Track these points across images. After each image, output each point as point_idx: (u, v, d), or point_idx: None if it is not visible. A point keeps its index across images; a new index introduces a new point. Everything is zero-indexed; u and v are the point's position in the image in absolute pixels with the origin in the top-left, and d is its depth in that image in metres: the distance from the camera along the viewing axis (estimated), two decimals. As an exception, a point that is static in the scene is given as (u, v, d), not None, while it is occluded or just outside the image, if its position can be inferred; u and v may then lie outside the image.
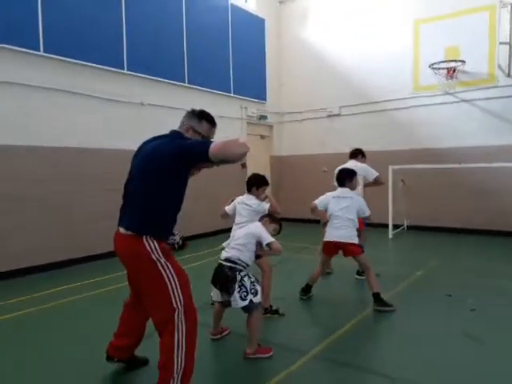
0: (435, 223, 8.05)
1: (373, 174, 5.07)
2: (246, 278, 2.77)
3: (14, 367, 2.86)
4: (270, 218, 3.22)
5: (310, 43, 9.72)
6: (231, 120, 8.64)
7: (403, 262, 6.10)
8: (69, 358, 2.97)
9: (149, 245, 2.17)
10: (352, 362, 2.86)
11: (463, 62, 7.32)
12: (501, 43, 6.62)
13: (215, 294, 2.92)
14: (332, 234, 4.04)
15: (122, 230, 2.27)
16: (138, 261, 2.19)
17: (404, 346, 3.12)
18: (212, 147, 1.99)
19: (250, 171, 8.27)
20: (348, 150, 5.63)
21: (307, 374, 2.68)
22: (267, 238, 2.88)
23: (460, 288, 4.43)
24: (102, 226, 6.09)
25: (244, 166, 8.97)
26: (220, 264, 2.88)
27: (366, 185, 5.21)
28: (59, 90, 5.78)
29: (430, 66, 7.51)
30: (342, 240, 3.97)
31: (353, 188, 4.25)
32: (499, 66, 6.78)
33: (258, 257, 3.54)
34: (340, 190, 4.22)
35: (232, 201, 3.97)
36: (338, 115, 9.37)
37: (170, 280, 2.17)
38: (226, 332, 3.25)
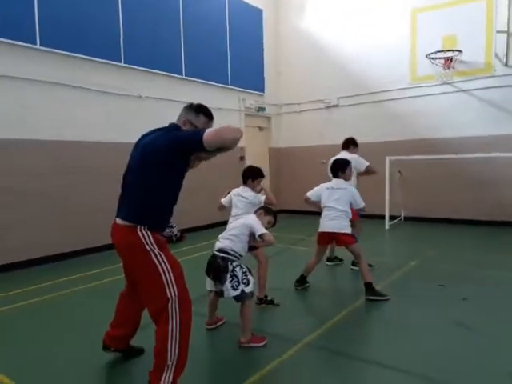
0: (432, 214, 8.09)
1: (363, 163, 5.09)
2: (237, 269, 2.82)
3: (14, 353, 2.94)
4: (264, 210, 3.27)
5: (307, 34, 9.67)
6: (229, 112, 8.66)
7: (398, 252, 6.16)
8: (66, 347, 3.05)
9: (143, 235, 2.22)
10: (344, 350, 2.92)
11: (460, 51, 7.30)
12: (498, 32, 6.59)
13: (209, 284, 2.98)
14: (325, 224, 4.10)
15: (118, 220, 2.32)
16: (133, 251, 2.25)
17: (396, 334, 3.18)
18: (206, 135, 2.04)
19: (248, 163, 8.31)
20: (345, 141, 5.64)
21: (299, 362, 2.74)
22: (260, 229, 2.93)
23: (453, 278, 4.48)
24: (100, 219, 6.14)
25: (242, 158, 9.00)
26: (213, 254, 2.93)
27: (359, 175, 5.23)
28: (57, 84, 5.80)
29: (427, 56, 7.49)
30: (335, 230, 4.03)
31: (347, 178, 4.28)
32: (496, 55, 6.76)
33: (253, 248, 3.60)
34: (334, 181, 4.26)
35: (228, 193, 4.02)
36: (336, 106, 9.37)
37: (163, 270, 2.21)
38: (221, 322, 3.32)
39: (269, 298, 3.76)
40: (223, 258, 2.85)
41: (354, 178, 4.89)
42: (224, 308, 3.30)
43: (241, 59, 8.89)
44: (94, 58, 6.19)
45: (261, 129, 10.10)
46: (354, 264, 4.94)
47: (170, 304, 2.20)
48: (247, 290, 2.82)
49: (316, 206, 4.31)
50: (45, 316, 3.74)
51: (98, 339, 2.81)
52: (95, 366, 2.75)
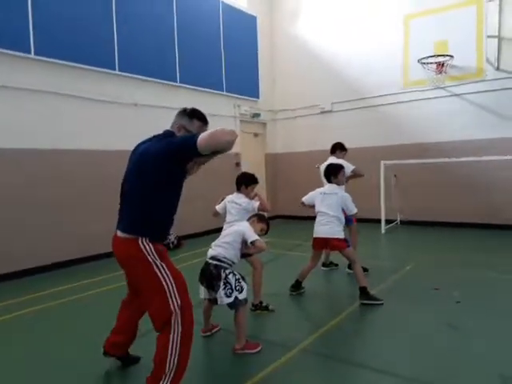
0: (428, 218, 8.12)
1: (348, 167, 5.08)
2: (230, 276, 2.83)
3: (20, 358, 2.94)
4: (257, 217, 3.28)
5: (301, 40, 9.75)
6: (224, 118, 8.68)
7: (394, 256, 6.18)
8: (66, 352, 3.05)
9: (144, 247, 2.19)
10: (339, 355, 2.93)
11: (451, 56, 7.38)
12: (489, 37, 6.66)
13: (203, 292, 2.99)
14: (318, 229, 4.13)
15: (119, 232, 2.30)
16: (135, 263, 2.22)
17: (390, 339, 3.19)
18: (199, 139, 2.01)
19: (244, 169, 8.33)
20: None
21: (294, 368, 2.74)
22: (251, 236, 2.94)
23: (448, 281, 4.50)
24: (97, 227, 6.18)
25: (238, 164, 9.02)
26: (206, 262, 2.94)
27: (347, 178, 5.25)
28: (52, 92, 5.82)
29: (418, 61, 7.56)
30: (327, 236, 4.06)
31: (339, 183, 4.31)
32: (487, 60, 6.83)
33: (248, 254, 3.62)
34: (327, 186, 4.29)
35: (222, 199, 4.03)
36: (331, 111, 9.42)
37: (166, 282, 2.19)
38: (216, 329, 3.32)
39: (264, 304, 3.76)
40: (216, 265, 2.86)
41: None
42: (219, 315, 3.30)
43: (235, 66, 8.94)
44: (88, 67, 6.22)
45: (256, 135, 10.14)
46: (349, 267, 4.96)
47: (173, 316, 2.18)
48: (241, 296, 2.83)
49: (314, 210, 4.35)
50: (46, 323, 3.73)
51: (97, 344, 2.82)
52: (94, 373, 2.75)
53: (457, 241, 6.88)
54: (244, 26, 9.31)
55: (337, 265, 5.27)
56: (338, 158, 5.31)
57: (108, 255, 6.12)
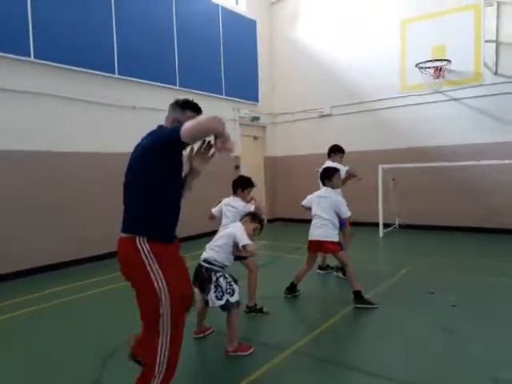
0: (427, 222, 8.12)
1: (342, 169, 5.08)
2: (221, 279, 2.85)
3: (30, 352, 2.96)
4: (250, 217, 3.28)
5: (301, 44, 9.80)
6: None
7: (390, 260, 6.18)
8: (62, 353, 3.08)
9: (141, 247, 2.14)
10: (331, 357, 2.95)
11: (449, 61, 7.41)
12: (486, 41, 6.69)
13: (196, 294, 3.00)
14: (312, 232, 4.17)
15: (122, 234, 2.26)
16: (130, 263, 2.18)
17: (383, 342, 3.20)
18: (183, 129, 1.97)
19: (243, 172, 8.35)
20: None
21: (285, 370, 2.77)
22: (243, 239, 2.94)
23: (444, 285, 4.50)
24: (100, 228, 6.25)
25: (237, 167, 9.05)
26: (199, 264, 2.96)
27: (343, 180, 5.25)
28: (51, 95, 5.88)
29: (416, 66, 7.59)
30: (320, 238, 4.09)
31: (334, 186, 4.31)
32: (485, 64, 6.86)
33: (243, 257, 3.64)
34: (323, 190, 4.32)
35: (219, 202, 4.05)
36: (330, 115, 9.45)
37: (158, 285, 2.12)
38: (209, 331, 3.33)
39: (258, 307, 3.78)
40: (207, 268, 2.88)
41: None
42: (212, 317, 3.32)
43: (235, 69, 8.99)
44: (87, 70, 6.28)
45: (256, 138, 10.18)
46: (337, 270, 4.99)
47: (161, 320, 2.14)
48: (232, 299, 2.85)
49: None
50: (46, 323, 3.75)
51: (97, 341, 2.84)
52: (89, 373, 2.77)
53: (455, 245, 6.89)
54: (243, 30, 9.37)
55: (333, 268, 5.27)
56: (334, 161, 5.33)
57: (106, 256, 6.18)
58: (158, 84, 7.39)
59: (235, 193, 3.94)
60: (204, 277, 2.83)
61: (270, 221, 10.18)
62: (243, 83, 9.35)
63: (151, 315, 2.16)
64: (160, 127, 2.33)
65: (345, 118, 9.20)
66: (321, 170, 4.86)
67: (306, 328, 3.52)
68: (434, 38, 7.68)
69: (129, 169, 2.30)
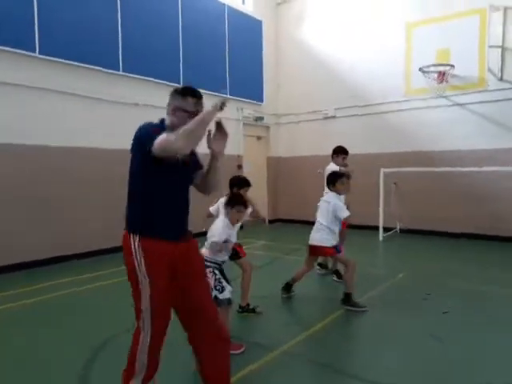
0: (428, 227, 8.08)
1: (334, 169, 4.98)
2: (210, 275, 2.86)
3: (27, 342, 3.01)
4: (229, 206, 3.13)
5: (306, 45, 9.80)
6: (227, 121, 8.62)
7: (388, 264, 6.17)
8: (59, 341, 3.13)
9: (132, 240, 2.13)
10: (320, 359, 2.95)
11: (452, 66, 7.38)
12: (490, 47, 6.65)
13: None
14: (311, 236, 4.20)
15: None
16: (124, 256, 2.18)
17: (372, 346, 3.21)
18: (155, 144, 1.94)
19: (246, 172, 8.38)
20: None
21: (273, 370, 2.79)
22: (215, 235, 2.95)
23: (439, 291, 4.48)
24: (100, 223, 6.29)
25: (240, 166, 9.08)
26: None
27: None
28: (55, 91, 5.94)
29: (419, 70, 7.57)
30: (315, 243, 4.11)
31: (339, 192, 4.23)
32: (489, 70, 6.81)
33: (237, 257, 3.65)
34: (328, 194, 4.34)
35: (217, 201, 4.07)
36: (334, 117, 9.44)
37: (141, 281, 2.11)
38: None
39: (251, 307, 3.79)
40: None
41: None
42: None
43: (240, 69, 9.01)
44: (92, 67, 6.33)
45: (259, 138, 10.19)
46: (332, 272, 5.01)
47: (141, 316, 2.15)
48: (221, 296, 2.86)
49: None
50: (42, 315, 3.80)
51: (92, 335, 2.87)
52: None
53: (455, 251, 6.85)
54: (249, 30, 9.38)
55: (330, 270, 5.26)
56: (336, 162, 5.30)
57: (107, 251, 6.24)
58: (162, 82, 7.41)
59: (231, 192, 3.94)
60: None
61: (271, 221, 10.20)
62: (248, 83, 9.36)
63: (136, 310, 2.19)
64: (161, 122, 2.25)
65: (349, 120, 9.18)
66: (324, 171, 4.87)
67: (297, 329, 3.53)
68: (438, 41, 7.64)
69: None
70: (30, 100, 5.70)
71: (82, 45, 6.16)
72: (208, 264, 2.92)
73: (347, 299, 3.92)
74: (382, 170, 7.56)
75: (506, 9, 7.01)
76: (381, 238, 7.65)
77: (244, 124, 9.40)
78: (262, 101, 9.79)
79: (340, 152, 5.38)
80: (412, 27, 8.00)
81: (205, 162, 2.32)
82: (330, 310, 3.94)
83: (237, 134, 9.08)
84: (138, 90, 7.08)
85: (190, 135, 1.96)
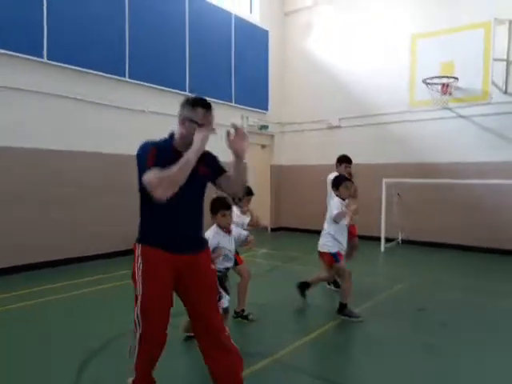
0: (430, 238, 8.03)
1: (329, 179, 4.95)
2: None
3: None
4: (213, 213, 3.16)
5: (312, 55, 9.87)
6: (232, 129, 8.78)
7: (387, 275, 6.12)
8: (54, 344, 3.16)
9: (137, 250, 2.23)
10: (308, 369, 2.95)
11: (456, 78, 7.40)
12: (495, 60, 6.66)
13: None
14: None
15: None
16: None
17: (363, 356, 3.19)
18: (146, 181, 2.00)
19: (249, 180, 8.39)
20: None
21: (262, 377, 2.78)
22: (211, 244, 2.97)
23: (435, 303, 4.44)
24: (101, 227, 6.40)
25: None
26: None
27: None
28: (62, 96, 6.04)
29: (423, 81, 7.60)
30: (319, 248, 4.12)
31: (341, 196, 4.12)
32: (493, 83, 6.82)
33: (235, 264, 3.67)
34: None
35: None
36: (338, 127, 9.47)
37: (138, 286, 2.19)
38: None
39: (245, 314, 3.80)
40: None
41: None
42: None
43: (245, 78, 9.09)
44: (99, 73, 6.44)
45: (263, 146, 10.24)
46: (333, 284, 4.97)
47: (135, 315, 2.21)
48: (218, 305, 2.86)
49: None
50: (43, 317, 3.85)
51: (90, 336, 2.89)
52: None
53: (456, 264, 6.79)
54: (256, 40, 9.48)
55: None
56: (338, 171, 5.29)
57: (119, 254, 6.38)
58: (168, 89, 7.51)
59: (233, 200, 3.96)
60: None
61: (273, 229, 10.20)
62: (253, 92, 9.44)
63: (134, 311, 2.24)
64: (170, 136, 2.28)
65: (352, 130, 9.20)
66: (327, 180, 4.87)
67: (290, 338, 3.49)
68: (442, 54, 7.68)
69: None
70: (36, 104, 5.80)
71: (89, 51, 6.26)
72: None
73: (342, 309, 3.91)
74: (384, 181, 7.55)
75: (510, 22, 7.02)
76: (382, 249, 7.61)
77: (248, 132, 9.43)
78: (266, 109, 9.85)
79: (343, 161, 5.33)
80: (417, 39, 8.04)
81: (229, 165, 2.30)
82: (324, 320, 3.92)
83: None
84: (144, 96, 7.17)
85: (171, 184, 1.99)
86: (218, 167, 2.33)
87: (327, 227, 4.11)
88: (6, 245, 5.46)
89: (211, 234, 3.09)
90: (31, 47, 5.63)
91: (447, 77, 7.38)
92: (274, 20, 10.14)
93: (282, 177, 10.47)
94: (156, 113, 7.27)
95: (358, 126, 9.10)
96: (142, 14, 6.99)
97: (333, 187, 4.25)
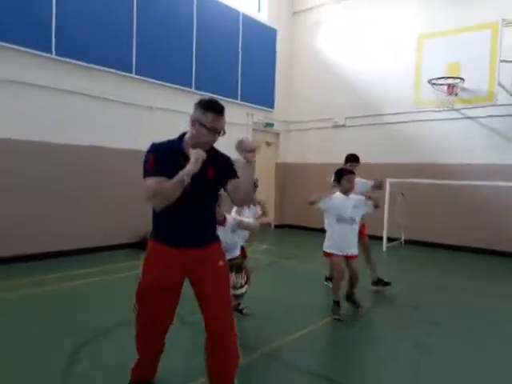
0: (433, 239, 8.00)
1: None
2: None
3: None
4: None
5: (320, 54, 9.88)
6: (236, 126, 8.83)
7: (386, 274, 6.06)
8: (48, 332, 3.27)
9: (149, 244, 2.38)
10: (296, 363, 2.98)
11: (462, 79, 7.35)
12: (502, 61, 6.60)
13: None
14: None
15: None
16: None
17: (351, 353, 3.24)
18: (146, 183, 2.13)
19: (254, 177, 8.45)
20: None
21: (248, 370, 2.83)
22: None
23: (433, 304, 4.45)
24: (113, 218, 6.58)
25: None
26: None
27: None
28: (70, 92, 6.16)
29: (428, 82, 7.56)
30: None
31: (344, 189, 4.02)
32: (500, 84, 6.76)
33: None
34: None
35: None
36: (344, 126, 9.47)
37: (140, 275, 2.35)
38: None
39: (240, 307, 3.86)
40: None
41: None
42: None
43: (252, 75, 9.13)
44: (106, 69, 6.54)
45: (269, 144, 10.26)
46: (327, 279, 5.01)
47: (134, 300, 2.37)
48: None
49: None
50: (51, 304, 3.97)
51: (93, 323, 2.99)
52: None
53: (458, 265, 6.77)
54: (263, 38, 9.50)
55: (387, 284, 4.93)
56: None
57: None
58: (175, 86, 7.59)
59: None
60: None
61: (277, 226, 10.26)
62: (259, 89, 9.48)
63: None
64: (180, 137, 2.29)
65: (358, 129, 9.20)
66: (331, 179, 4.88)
67: (282, 333, 3.52)
68: (449, 54, 7.62)
69: None
70: (46, 99, 5.92)
71: (97, 47, 6.35)
72: None
73: (333, 306, 3.95)
74: (388, 181, 7.54)
75: (519, 23, 6.94)
76: (384, 249, 7.62)
77: (253, 130, 9.51)
78: (272, 107, 9.89)
79: (348, 159, 5.27)
80: (424, 39, 8.01)
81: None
82: (320, 316, 3.95)
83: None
84: (151, 93, 7.26)
85: (164, 198, 2.10)
86: (228, 172, 2.27)
87: (327, 224, 4.12)
88: (19, 235, 5.62)
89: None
90: (40, 43, 5.74)
91: (453, 77, 7.34)
92: (282, 19, 10.16)
93: (286, 174, 10.50)
94: (162, 109, 7.36)
95: (364, 125, 9.09)
96: (150, 11, 7.07)
97: (334, 181, 4.18)
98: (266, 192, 9.41)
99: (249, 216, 3.81)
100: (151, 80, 7.23)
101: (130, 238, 6.79)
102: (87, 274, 5.22)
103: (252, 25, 9.11)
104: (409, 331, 3.65)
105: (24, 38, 5.58)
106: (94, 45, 6.34)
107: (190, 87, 7.88)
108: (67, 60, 6.06)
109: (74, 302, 4.18)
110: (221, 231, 3.29)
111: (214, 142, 2.24)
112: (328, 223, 4.15)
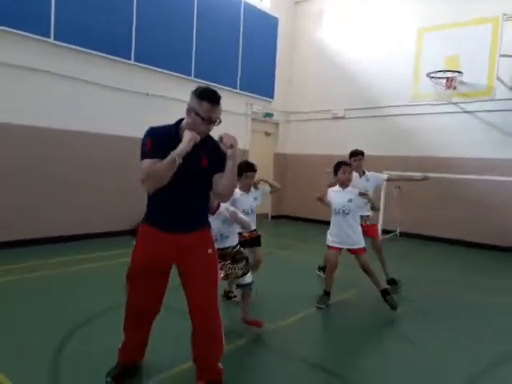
0: (429, 232, 8.06)
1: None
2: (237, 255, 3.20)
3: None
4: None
5: (321, 44, 9.83)
6: (235, 116, 8.83)
7: (378, 267, 6.15)
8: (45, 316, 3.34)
9: (140, 227, 2.41)
10: (284, 349, 3.06)
11: (460, 72, 7.33)
12: (502, 56, 6.58)
13: None
14: None
15: None
16: None
17: (337, 341, 3.32)
18: (142, 166, 2.16)
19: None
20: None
21: (237, 355, 2.91)
22: None
23: (426, 298, 4.48)
24: (115, 205, 6.65)
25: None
26: None
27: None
28: (69, 77, 6.15)
29: (427, 75, 7.54)
30: None
31: (341, 181, 4.04)
32: (499, 79, 6.75)
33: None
34: None
35: None
36: (343, 118, 9.47)
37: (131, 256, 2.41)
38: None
39: (230, 295, 3.92)
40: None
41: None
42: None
43: (252, 65, 9.09)
44: (104, 55, 6.52)
45: (268, 134, 10.27)
46: (320, 269, 5.06)
47: (125, 280, 2.41)
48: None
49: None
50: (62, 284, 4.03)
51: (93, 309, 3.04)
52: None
53: (453, 258, 6.82)
54: (265, 27, 9.44)
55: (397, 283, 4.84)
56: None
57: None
58: (173, 73, 7.56)
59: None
60: None
61: (274, 217, 10.30)
62: (259, 79, 9.44)
63: None
64: (177, 123, 2.29)
65: (357, 121, 9.21)
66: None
67: (269, 321, 3.54)
68: (448, 48, 7.61)
69: None
70: (47, 84, 5.93)
71: (95, 33, 6.33)
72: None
73: (324, 294, 4.02)
74: (385, 173, 7.53)
75: (520, 18, 6.90)
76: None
77: (252, 119, 9.50)
78: (272, 97, 9.86)
79: (352, 155, 5.14)
80: (424, 32, 7.98)
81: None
82: (310, 305, 4.00)
83: (244, 129, 9.19)
84: (150, 79, 7.24)
85: (156, 179, 2.13)
86: (220, 166, 2.24)
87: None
88: (20, 220, 5.70)
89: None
90: (39, 27, 5.72)
91: (452, 71, 7.32)
92: (285, 8, 10.08)
93: (285, 165, 10.52)
94: (160, 96, 7.34)
95: (363, 117, 9.09)
96: (150, -2, 7.02)
97: (334, 173, 4.15)
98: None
99: (257, 197, 3.90)
100: (150, 67, 7.21)
101: (131, 224, 6.76)
102: (87, 259, 5.29)
103: (254, 13, 9.05)
104: (400, 324, 3.70)
105: (22, 22, 5.56)
106: (93, 30, 6.31)
107: (190, 75, 7.86)
108: (66, 45, 6.05)
109: (75, 285, 4.26)
110: (212, 219, 3.33)
111: (209, 131, 2.25)
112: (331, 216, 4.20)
